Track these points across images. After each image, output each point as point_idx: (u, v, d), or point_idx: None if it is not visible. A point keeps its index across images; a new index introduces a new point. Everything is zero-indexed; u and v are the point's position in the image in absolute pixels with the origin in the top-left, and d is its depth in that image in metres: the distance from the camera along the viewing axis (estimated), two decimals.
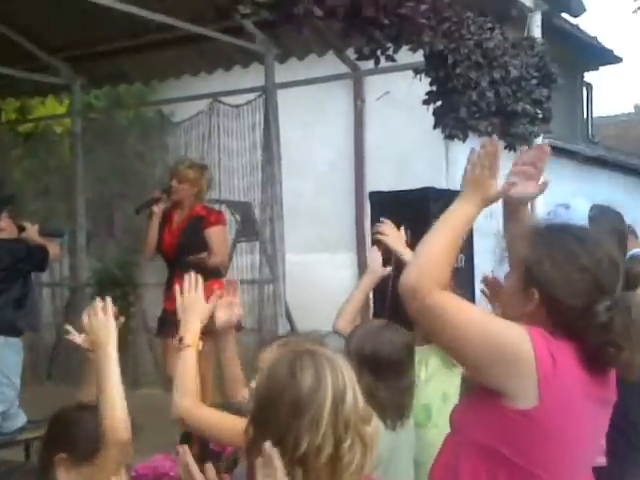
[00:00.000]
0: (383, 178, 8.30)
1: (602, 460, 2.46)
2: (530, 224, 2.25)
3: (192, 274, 2.67)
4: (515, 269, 2.05)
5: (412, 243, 5.09)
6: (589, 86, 13.88)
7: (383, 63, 4.77)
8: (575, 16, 7.56)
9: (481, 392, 1.92)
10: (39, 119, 9.04)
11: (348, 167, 9.18)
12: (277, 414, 1.65)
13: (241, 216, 7.58)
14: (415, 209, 5.33)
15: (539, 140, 6.29)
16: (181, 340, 2.52)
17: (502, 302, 2.18)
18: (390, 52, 4.55)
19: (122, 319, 2.58)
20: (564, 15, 7.76)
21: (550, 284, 1.90)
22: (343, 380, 1.68)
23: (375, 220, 5.50)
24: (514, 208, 2.36)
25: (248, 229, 7.41)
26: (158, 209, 5.11)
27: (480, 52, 4.89)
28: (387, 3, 4.31)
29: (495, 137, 2.21)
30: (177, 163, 5.55)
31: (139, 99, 8.82)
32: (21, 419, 5.21)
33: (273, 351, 2.37)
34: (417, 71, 5.22)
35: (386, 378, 2.63)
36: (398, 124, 8.47)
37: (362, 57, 4.64)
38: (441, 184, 7.26)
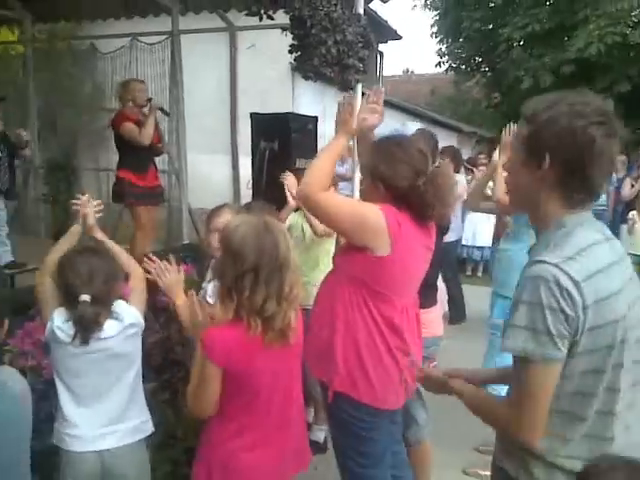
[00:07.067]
0: (249, 104, 7.84)
1: None
2: (371, 142, 2.22)
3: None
4: (365, 175, 2.09)
5: (278, 155, 4.94)
6: (381, 53, 13.77)
7: (253, 22, 4.33)
8: (385, 2, 7.26)
9: (352, 246, 1.95)
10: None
11: (226, 95, 8.59)
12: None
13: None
14: (280, 125, 5.25)
15: (359, 86, 6.07)
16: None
17: (363, 195, 2.15)
18: (270, 12, 4.14)
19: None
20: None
21: (386, 177, 1.93)
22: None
23: (256, 132, 5.23)
24: (363, 135, 2.30)
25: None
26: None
27: (328, 19, 4.56)
28: None
29: (351, 94, 2.34)
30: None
31: (71, 34, 7.53)
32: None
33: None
34: (284, 29, 4.80)
35: None
36: (260, 67, 8.00)
37: (251, 14, 4.19)
38: (289, 110, 6.97)
